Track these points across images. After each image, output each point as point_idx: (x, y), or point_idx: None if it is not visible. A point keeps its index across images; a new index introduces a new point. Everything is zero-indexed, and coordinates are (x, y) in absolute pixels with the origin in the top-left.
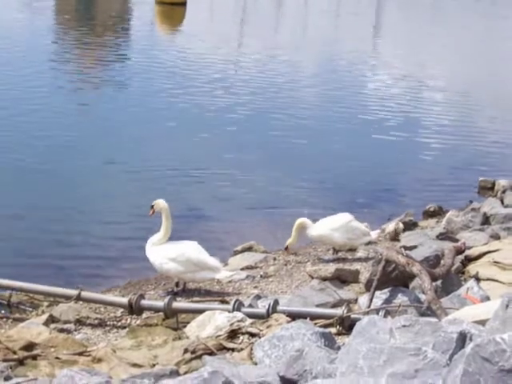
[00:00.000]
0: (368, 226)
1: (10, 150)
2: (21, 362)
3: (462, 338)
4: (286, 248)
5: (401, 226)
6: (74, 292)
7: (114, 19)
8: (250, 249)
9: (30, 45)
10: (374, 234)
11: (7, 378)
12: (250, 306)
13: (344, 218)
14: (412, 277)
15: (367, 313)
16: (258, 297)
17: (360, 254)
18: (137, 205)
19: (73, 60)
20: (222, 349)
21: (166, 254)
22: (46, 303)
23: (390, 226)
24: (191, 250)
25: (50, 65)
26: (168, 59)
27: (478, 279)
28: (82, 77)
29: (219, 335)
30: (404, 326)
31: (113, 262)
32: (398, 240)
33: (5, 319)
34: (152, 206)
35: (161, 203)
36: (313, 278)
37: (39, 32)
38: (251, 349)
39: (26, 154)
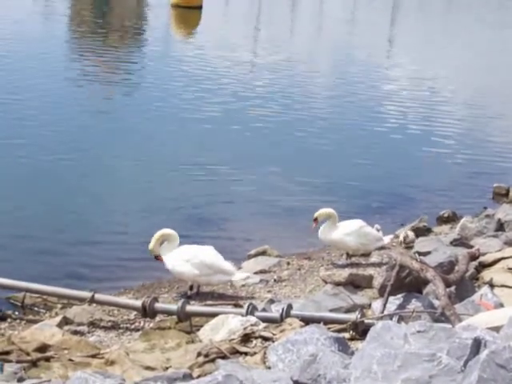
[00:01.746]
0: (379, 229)
1: (24, 151)
2: (34, 364)
3: (477, 345)
4: (315, 220)
5: (410, 234)
6: (87, 294)
7: (130, 23)
8: (263, 253)
9: (46, 48)
10: (386, 239)
11: (20, 380)
12: (264, 310)
13: (357, 223)
14: (426, 282)
15: (381, 318)
16: (272, 301)
17: (374, 259)
18: (151, 207)
19: (88, 64)
20: (235, 353)
21: (180, 256)
22: (59, 305)
23: (402, 235)
24: (205, 253)
25: (66, 69)
26: (183, 62)
27: (491, 285)
28: (96, 80)
29: (232, 339)
30: (418, 331)
31: (126, 264)
32: (411, 247)
33: (18, 321)
34: (157, 257)
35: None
36: (326, 282)
37: (54, 35)
38: (264, 353)
39: (39, 155)
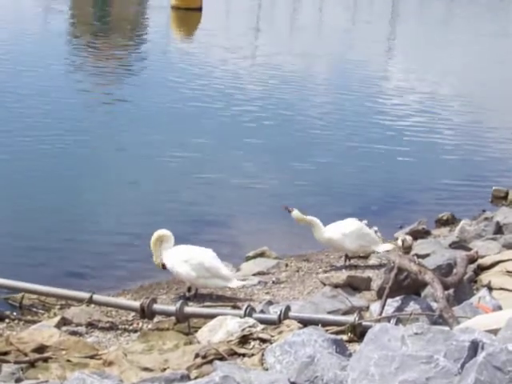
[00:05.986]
0: (377, 231)
1: (22, 151)
2: (32, 365)
3: (474, 347)
4: (288, 210)
5: (408, 239)
6: (86, 295)
7: (130, 24)
8: (262, 254)
9: (45, 47)
10: (386, 247)
11: (18, 380)
12: (262, 311)
13: (355, 224)
14: (424, 285)
15: (379, 320)
16: (270, 303)
17: (372, 261)
18: (150, 208)
19: (87, 67)
20: (233, 354)
21: (179, 256)
22: (57, 306)
23: (399, 240)
24: (205, 255)
25: (66, 69)
26: (183, 64)
27: (490, 288)
28: (93, 81)
29: (230, 340)
30: (416, 333)
31: (125, 265)
32: (409, 252)
33: (16, 321)
34: (163, 266)
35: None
36: (325, 284)
37: (53, 36)
38: (262, 354)
39: (38, 156)
